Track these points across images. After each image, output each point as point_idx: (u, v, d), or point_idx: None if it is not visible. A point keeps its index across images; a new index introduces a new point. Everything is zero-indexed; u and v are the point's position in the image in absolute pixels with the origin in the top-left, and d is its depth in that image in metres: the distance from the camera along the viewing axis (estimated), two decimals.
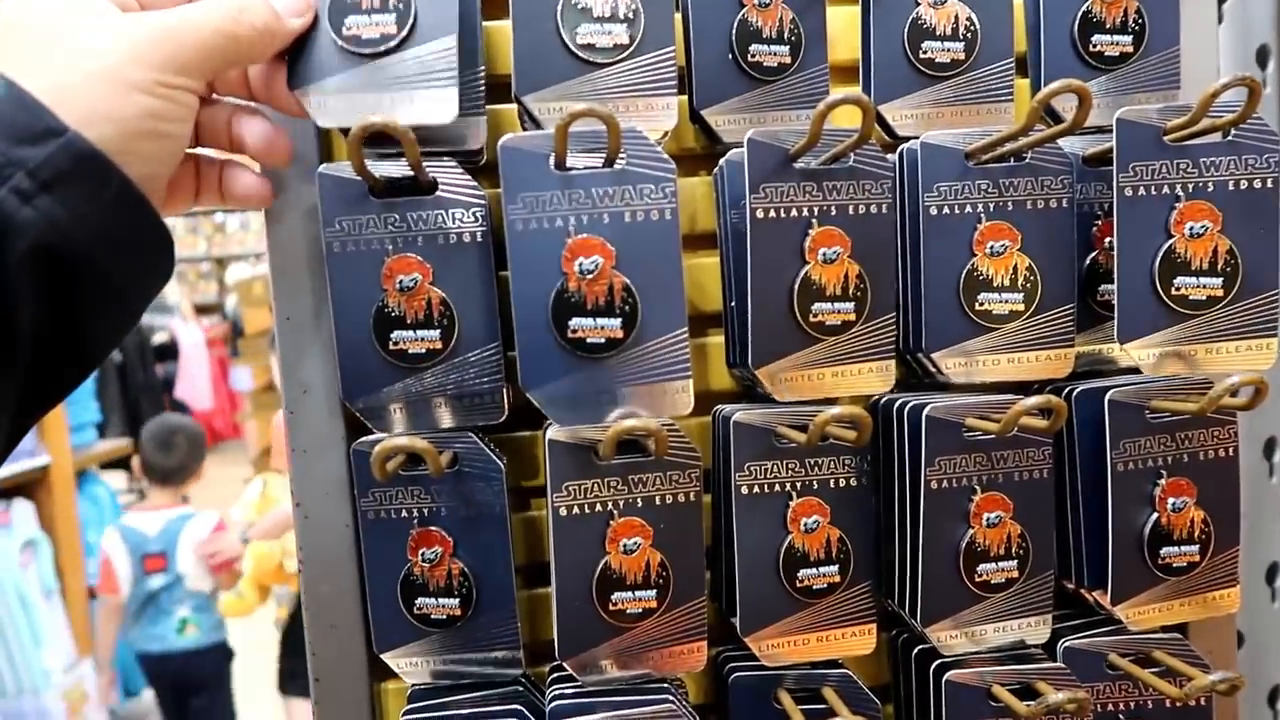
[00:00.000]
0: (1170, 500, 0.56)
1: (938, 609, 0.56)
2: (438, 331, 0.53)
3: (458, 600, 0.55)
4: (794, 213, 0.52)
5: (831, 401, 0.54)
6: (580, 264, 0.49)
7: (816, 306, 0.53)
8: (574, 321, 0.49)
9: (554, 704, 0.53)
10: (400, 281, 0.52)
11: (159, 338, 5.03)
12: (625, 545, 0.53)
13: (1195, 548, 0.57)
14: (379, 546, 0.55)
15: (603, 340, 0.50)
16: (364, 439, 0.54)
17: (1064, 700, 0.51)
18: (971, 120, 0.60)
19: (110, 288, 0.43)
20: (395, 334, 0.52)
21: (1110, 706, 0.59)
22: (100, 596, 2.18)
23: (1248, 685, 0.60)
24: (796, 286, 0.52)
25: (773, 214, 0.52)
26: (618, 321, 0.49)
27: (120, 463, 2.99)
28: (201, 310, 5.96)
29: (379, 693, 0.60)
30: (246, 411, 5.11)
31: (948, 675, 0.56)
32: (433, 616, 0.55)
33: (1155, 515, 0.57)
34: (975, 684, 0.56)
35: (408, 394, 0.53)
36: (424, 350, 0.53)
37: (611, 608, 0.53)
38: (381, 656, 0.56)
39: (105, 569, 2.14)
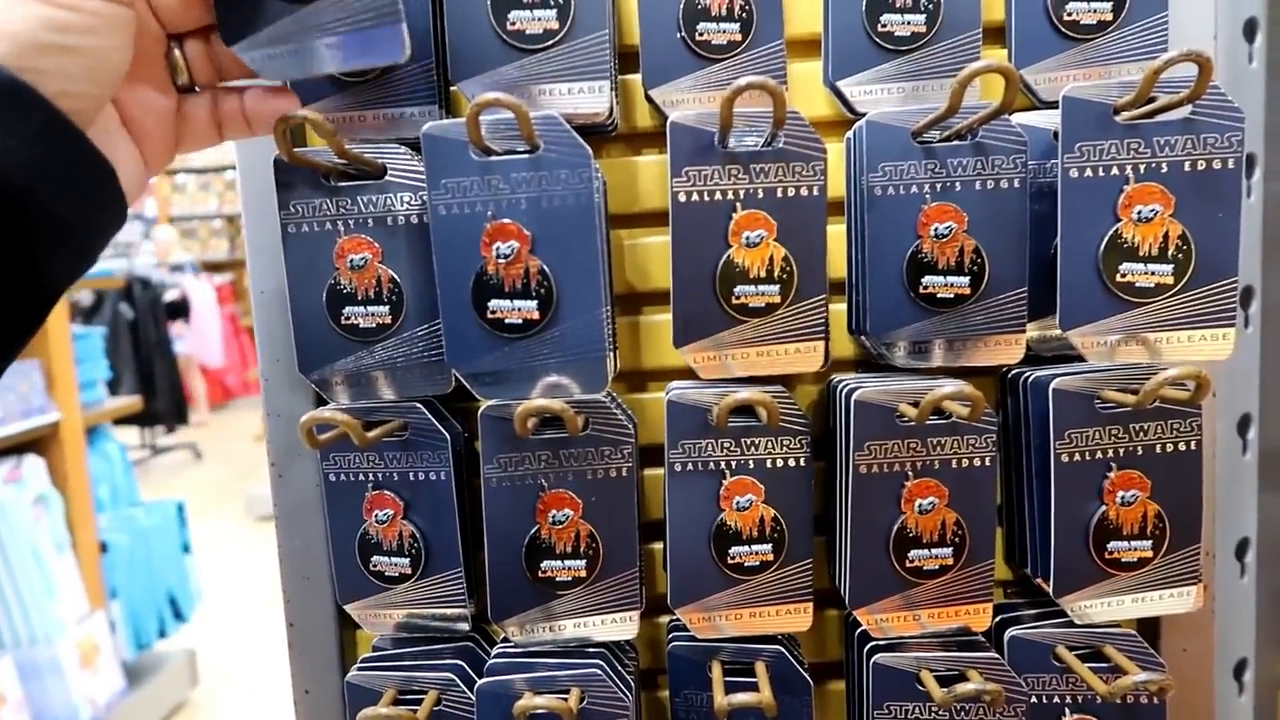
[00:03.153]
0: (1120, 493, 0.56)
1: (867, 594, 0.58)
2: (387, 307, 0.58)
3: (408, 560, 0.60)
4: (718, 195, 0.54)
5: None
6: (498, 248, 0.52)
7: (740, 289, 0.55)
8: (493, 303, 0.53)
9: (492, 661, 0.58)
10: (351, 260, 0.57)
11: (170, 295, 5.19)
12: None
13: (1147, 543, 0.56)
14: (339, 506, 0.61)
15: (520, 321, 0.53)
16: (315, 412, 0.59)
17: (972, 691, 0.52)
18: (935, 97, 0.60)
19: (58, 224, 0.42)
20: (347, 309, 0.57)
21: (1056, 699, 0.59)
22: None
23: (1217, 659, 0.58)
24: (719, 270, 0.54)
25: (696, 197, 0.54)
26: (534, 304, 0.53)
27: (132, 419, 3.07)
28: (214, 268, 6.15)
29: (349, 640, 0.67)
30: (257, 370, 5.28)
31: (877, 658, 0.57)
32: (386, 573, 0.61)
33: (1103, 508, 0.56)
34: (905, 668, 0.57)
35: (359, 367, 0.58)
36: (374, 325, 0.58)
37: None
38: (344, 607, 0.62)
39: None
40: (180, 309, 5.28)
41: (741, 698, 0.54)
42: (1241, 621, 0.63)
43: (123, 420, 3.09)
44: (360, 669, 0.60)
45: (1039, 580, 0.60)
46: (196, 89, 0.50)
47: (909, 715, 0.57)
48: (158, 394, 4.79)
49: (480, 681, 0.56)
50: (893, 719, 0.57)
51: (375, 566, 0.61)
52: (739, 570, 0.58)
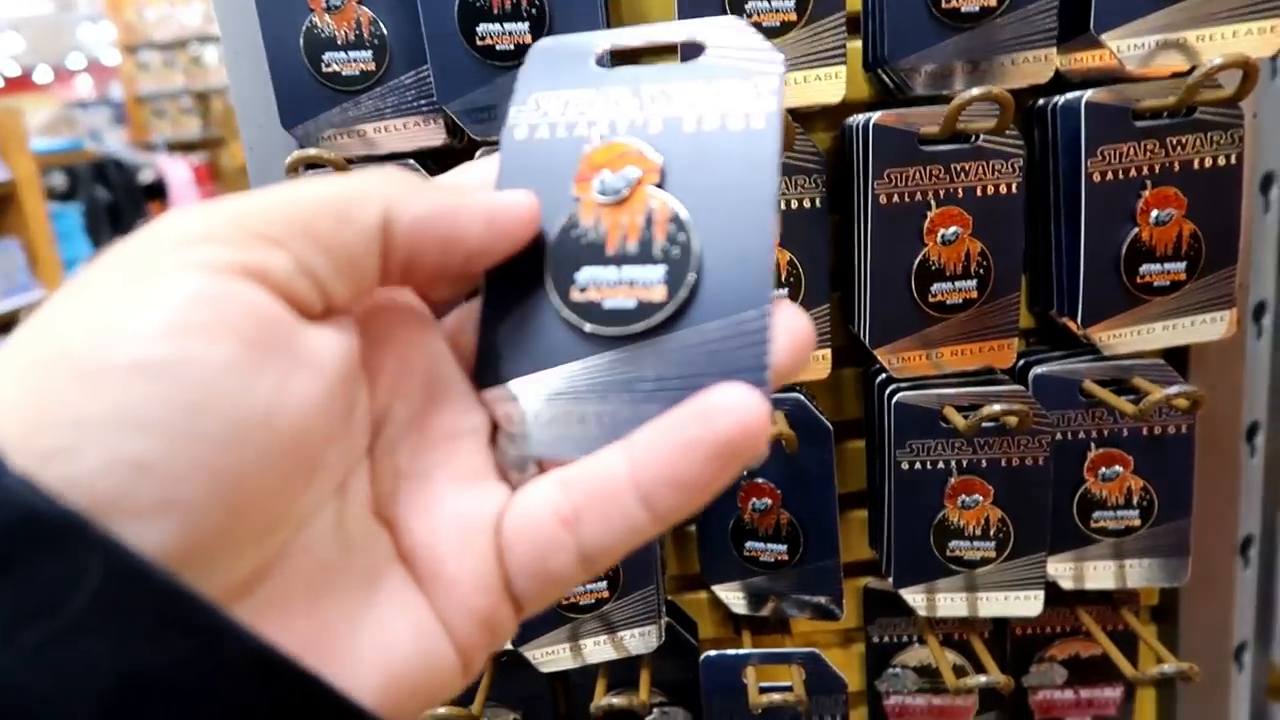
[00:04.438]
0: (1154, 212, 0.54)
1: (886, 333, 0.56)
2: (370, 52, 0.54)
3: None
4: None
5: None
6: None
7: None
8: (481, 28, 0.50)
9: None
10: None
11: (145, 176, 5.03)
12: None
13: (1181, 265, 0.55)
14: None
15: (511, 47, 0.50)
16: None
17: (998, 411, 0.51)
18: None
19: None
20: (327, 55, 0.54)
21: (1081, 435, 0.59)
22: None
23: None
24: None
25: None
26: (524, 26, 0.49)
27: None
28: (185, 147, 5.95)
29: None
30: None
31: (898, 397, 0.57)
32: None
33: (1135, 230, 0.54)
34: (927, 405, 0.56)
35: (344, 119, 0.55)
36: (357, 72, 0.54)
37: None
38: None
39: None
40: (157, 190, 5.14)
41: None
42: (1243, 609, 0.68)
43: None
44: None
45: (1065, 319, 0.58)
46: None
47: (931, 453, 0.57)
48: None
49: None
50: (915, 457, 0.57)
51: None
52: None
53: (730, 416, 0.25)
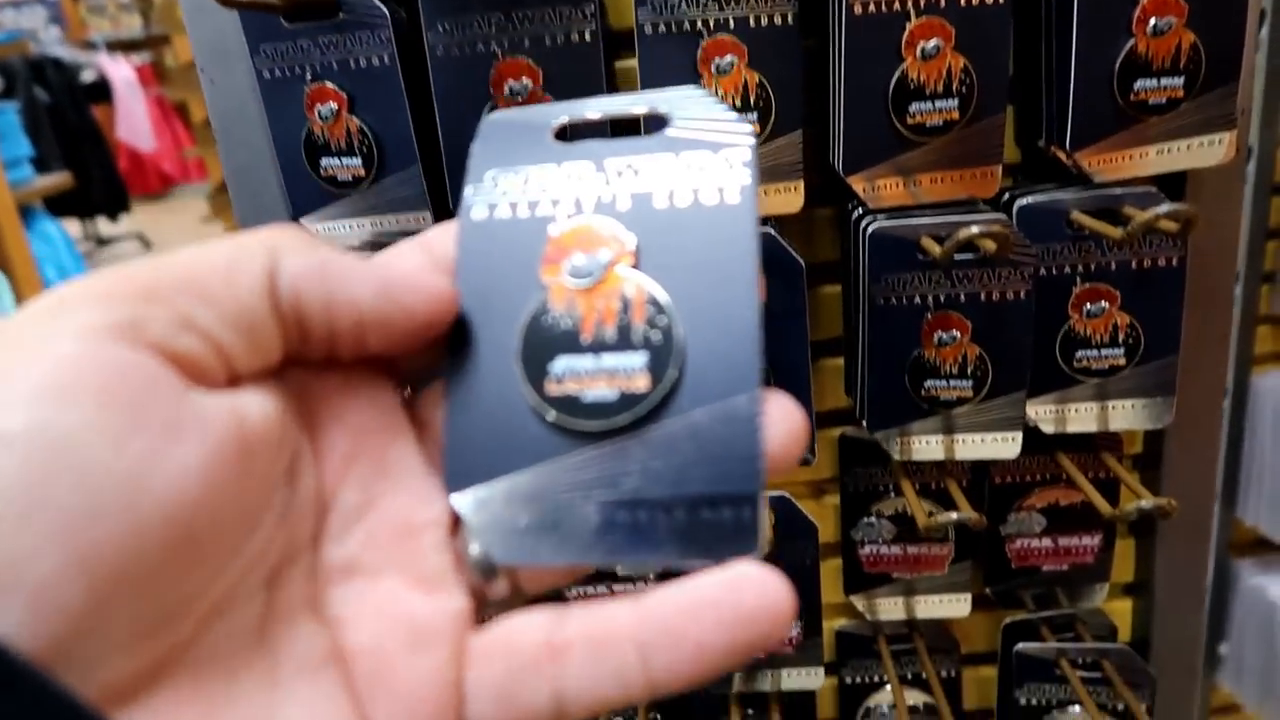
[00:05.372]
0: (1152, 21, 0.50)
1: (861, 159, 0.53)
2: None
3: (360, 160, 0.56)
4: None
5: None
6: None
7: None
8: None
9: None
10: None
11: (87, 76, 4.76)
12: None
13: (1179, 79, 0.51)
14: (278, 106, 0.55)
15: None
16: None
17: (975, 234, 0.48)
18: None
19: None
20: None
21: (1067, 269, 0.56)
22: None
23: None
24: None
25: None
26: None
27: (70, 209, 2.93)
28: (126, 46, 5.58)
29: None
30: (193, 149, 4.86)
31: (874, 228, 0.54)
32: (339, 177, 0.56)
33: (1131, 41, 0.50)
34: (904, 236, 0.54)
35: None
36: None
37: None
38: (301, 223, 0.58)
39: None
40: (100, 91, 4.95)
41: None
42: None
43: (61, 212, 2.98)
44: None
45: (1053, 148, 0.55)
46: None
47: (907, 287, 0.54)
48: (93, 181, 4.48)
49: None
50: (890, 291, 0.54)
51: (326, 170, 0.56)
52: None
53: (758, 594, 0.23)
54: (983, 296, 0.54)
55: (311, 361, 0.27)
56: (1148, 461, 0.66)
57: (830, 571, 0.68)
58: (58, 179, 2.70)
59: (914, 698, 0.70)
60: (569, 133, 0.30)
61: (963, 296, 0.54)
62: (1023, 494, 0.65)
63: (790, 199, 0.54)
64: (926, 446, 0.58)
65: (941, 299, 0.54)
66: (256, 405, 0.24)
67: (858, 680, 0.71)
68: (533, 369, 0.27)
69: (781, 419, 0.25)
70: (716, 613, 0.23)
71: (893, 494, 0.65)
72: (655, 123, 0.29)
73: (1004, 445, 0.57)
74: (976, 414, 0.57)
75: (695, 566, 0.24)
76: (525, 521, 0.26)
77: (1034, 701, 0.68)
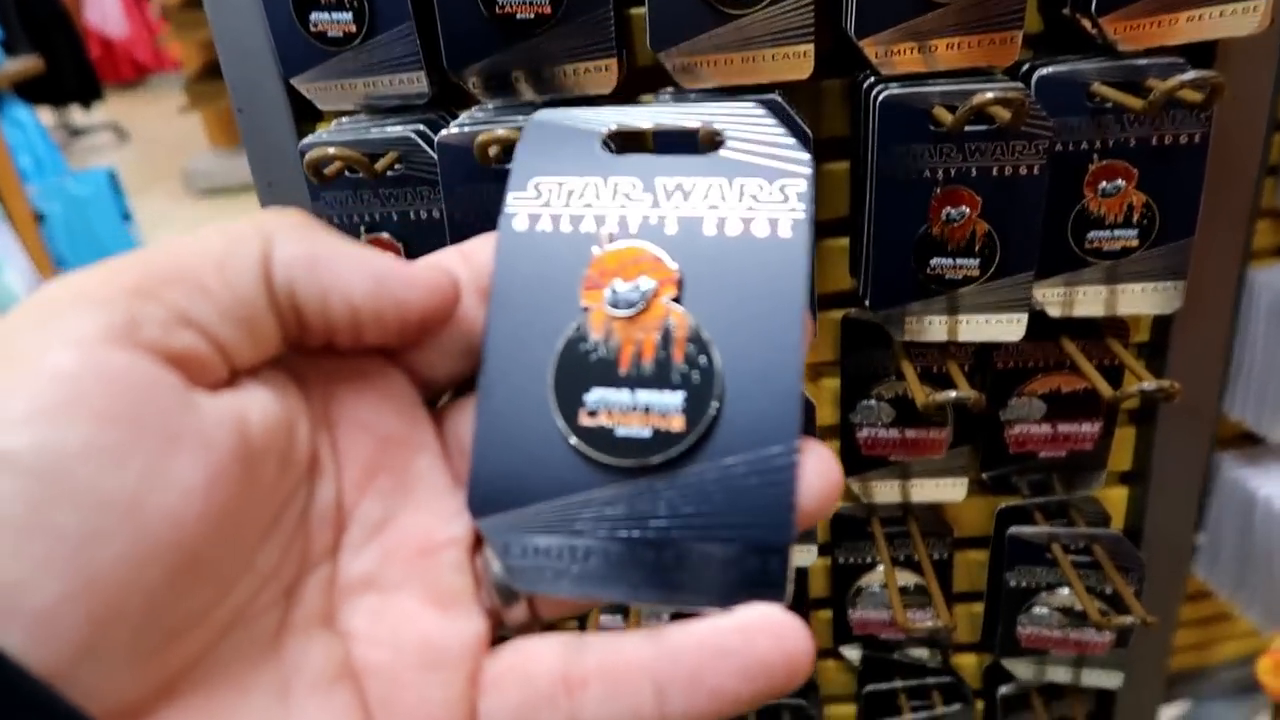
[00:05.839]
0: None
1: (874, 22, 0.50)
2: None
3: (350, 15, 0.53)
4: None
5: None
6: None
7: None
8: None
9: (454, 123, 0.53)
10: None
11: None
12: None
13: None
14: None
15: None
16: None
17: (991, 100, 0.46)
18: None
19: None
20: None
21: (1084, 145, 0.54)
22: None
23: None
24: None
25: None
26: None
27: (42, 96, 2.87)
28: None
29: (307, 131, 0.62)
30: (167, 34, 4.68)
31: (884, 96, 0.52)
32: (329, 34, 0.54)
33: None
34: (916, 105, 0.52)
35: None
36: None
37: None
38: (292, 83, 0.56)
39: None
40: None
41: None
42: None
43: (33, 101, 2.91)
44: (313, 138, 0.55)
45: (1078, 15, 0.52)
46: None
47: (918, 160, 0.52)
48: (64, 69, 4.27)
49: (441, 134, 0.52)
50: (899, 163, 0.53)
51: (316, 26, 0.54)
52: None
53: (777, 641, 0.23)
54: (994, 171, 0.52)
55: (334, 367, 0.27)
56: (1154, 351, 0.65)
57: None
58: (27, 63, 2.63)
59: (905, 579, 0.71)
60: (617, 142, 0.29)
61: (974, 171, 0.52)
62: (1024, 379, 0.65)
63: (799, 64, 0.52)
64: (929, 327, 0.57)
65: (952, 173, 0.53)
66: (261, 405, 0.24)
67: (851, 561, 0.72)
68: (566, 397, 0.26)
69: (817, 471, 0.25)
70: (735, 661, 0.23)
71: (893, 377, 0.65)
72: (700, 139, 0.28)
73: (1009, 327, 0.56)
74: (982, 294, 0.56)
75: (717, 614, 0.25)
76: (548, 551, 0.26)
77: (1024, 584, 0.69)
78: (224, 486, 0.22)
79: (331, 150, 0.49)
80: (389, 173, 0.52)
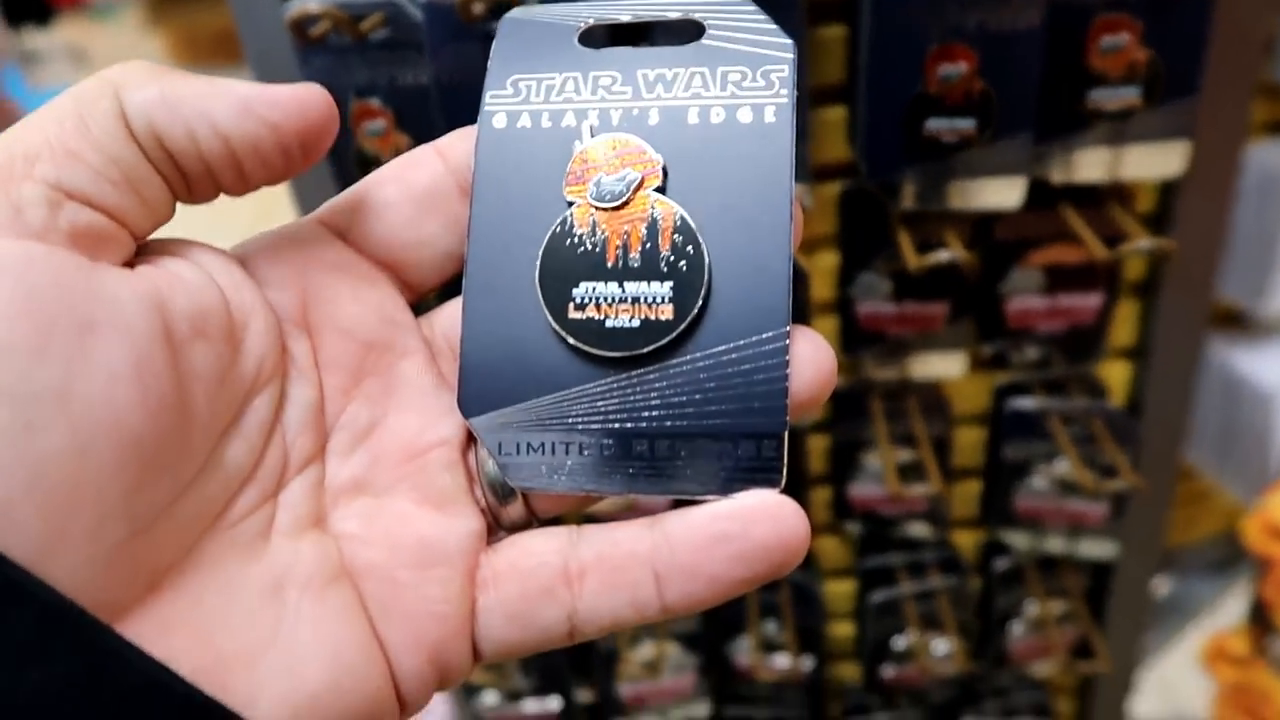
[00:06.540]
0: None
1: None
2: None
3: None
4: None
5: None
6: None
7: None
8: None
9: None
10: None
11: None
12: None
13: None
14: None
15: None
16: None
17: None
18: None
19: None
20: None
21: None
22: None
23: None
24: None
25: None
26: None
27: None
28: None
29: None
30: None
31: None
32: None
33: None
34: None
35: None
36: None
37: None
38: None
39: None
40: None
41: None
42: None
43: None
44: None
45: None
46: None
47: (912, 15, 0.51)
48: None
49: None
50: (893, 20, 0.51)
51: None
52: None
53: (774, 525, 0.23)
54: (992, 25, 0.51)
55: (314, 273, 0.26)
56: (1158, 223, 0.64)
57: (824, 331, 0.68)
58: None
59: (902, 455, 0.71)
60: (594, 36, 0.28)
61: (970, 25, 0.51)
62: (1025, 251, 0.64)
63: None
64: (925, 194, 0.56)
65: (947, 28, 0.51)
66: (186, 287, 0.23)
67: (848, 438, 0.73)
68: (554, 292, 0.26)
69: (809, 358, 0.24)
70: (733, 547, 0.23)
71: (892, 250, 0.64)
72: (686, 30, 0.27)
73: (1006, 191, 0.56)
74: (979, 158, 0.55)
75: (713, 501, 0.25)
76: (542, 447, 0.26)
77: (1021, 456, 0.69)
78: (153, 369, 0.21)
79: (313, 7, 0.48)
80: (377, 37, 0.52)
